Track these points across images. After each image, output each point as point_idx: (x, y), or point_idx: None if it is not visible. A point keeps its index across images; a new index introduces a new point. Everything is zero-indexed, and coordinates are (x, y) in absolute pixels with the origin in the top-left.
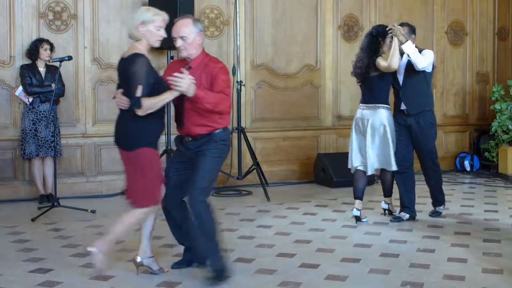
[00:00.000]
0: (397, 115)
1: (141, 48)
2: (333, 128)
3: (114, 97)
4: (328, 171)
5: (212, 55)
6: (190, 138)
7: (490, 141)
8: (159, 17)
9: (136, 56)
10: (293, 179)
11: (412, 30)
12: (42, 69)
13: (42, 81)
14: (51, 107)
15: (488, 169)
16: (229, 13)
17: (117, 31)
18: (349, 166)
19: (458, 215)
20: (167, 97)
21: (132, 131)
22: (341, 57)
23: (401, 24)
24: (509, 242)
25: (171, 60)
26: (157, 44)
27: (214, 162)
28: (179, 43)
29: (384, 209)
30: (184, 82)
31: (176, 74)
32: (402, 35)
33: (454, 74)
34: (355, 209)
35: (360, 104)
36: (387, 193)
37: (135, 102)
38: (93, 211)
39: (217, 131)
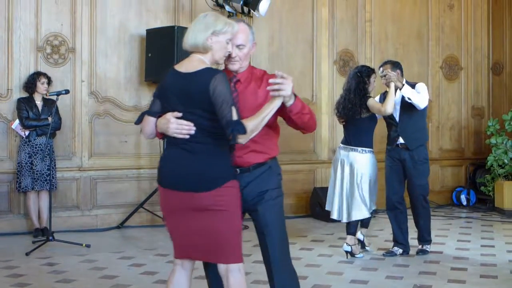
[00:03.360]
0: (391, 149)
1: (207, 62)
2: (329, 162)
3: (138, 122)
4: (324, 206)
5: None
6: (237, 170)
7: (486, 175)
8: (232, 29)
9: (214, 71)
10: (289, 213)
11: (396, 66)
12: (39, 103)
13: (39, 115)
14: (47, 140)
15: (484, 203)
16: None
17: (114, 65)
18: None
19: (455, 250)
20: (270, 110)
21: (211, 165)
22: (336, 92)
23: (384, 63)
24: (506, 278)
25: None
26: (222, 60)
27: (282, 213)
28: (234, 52)
29: (347, 252)
30: (289, 85)
31: (278, 74)
32: (397, 80)
33: (450, 109)
34: (345, 244)
35: (342, 145)
36: (351, 231)
37: (238, 127)
38: (87, 246)
39: (272, 159)
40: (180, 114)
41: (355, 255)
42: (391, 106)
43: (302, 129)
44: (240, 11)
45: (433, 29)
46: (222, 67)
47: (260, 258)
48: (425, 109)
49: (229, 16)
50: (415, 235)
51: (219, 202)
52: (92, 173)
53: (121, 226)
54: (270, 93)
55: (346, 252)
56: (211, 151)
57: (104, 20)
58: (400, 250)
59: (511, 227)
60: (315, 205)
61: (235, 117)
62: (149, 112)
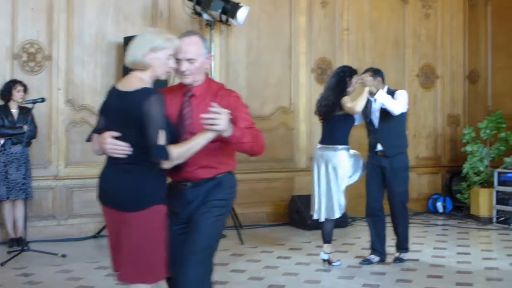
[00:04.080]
0: (371, 156)
1: (147, 79)
2: (307, 170)
3: (88, 140)
4: (302, 213)
5: (217, 82)
6: (189, 184)
7: (462, 183)
8: (171, 44)
9: (149, 91)
10: (268, 222)
11: (376, 73)
12: (14, 111)
13: (14, 123)
14: (22, 149)
15: (460, 210)
16: None
17: (91, 73)
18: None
19: (431, 258)
20: (200, 141)
21: (137, 187)
22: (314, 100)
23: (366, 70)
24: (482, 285)
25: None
26: (164, 76)
27: (219, 223)
28: (184, 66)
29: (324, 260)
30: (223, 119)
31: (212, 109)
32: (373, 86)
33: (426, 117)
34: (322, 252)
35: (319, 144)
36: (327, 239)
37: (161, 152)
38: (63, 255)
39: (224, 174)
40: (117, 134)
41: (332, 263)
42: (361, 105)
43: (249, 154)
44: (218, 19)
45: (409, 37)
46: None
47: (237, 267)
48: (404, 116)
49: (206, 25)
50: (392, 242)
51: (142, 223)
52: (68, 182)
53: (97, 235)
54: (204, 126)
55: (323, 260)
56: (144, 173)
57: (81, 27)
58: (377, 258)
59: (486, 234)
60: (293, 213)
61: (161, 141)
62: (95, 129)
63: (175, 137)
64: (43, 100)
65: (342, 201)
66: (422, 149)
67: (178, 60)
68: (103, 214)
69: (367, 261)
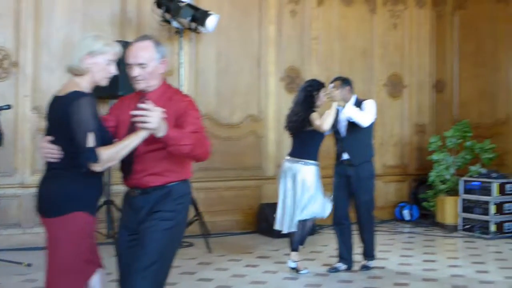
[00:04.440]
0: (338, 165)
1: (84, 85)
2: (276, 178)
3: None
4: (271, 221)
5: (174, 87)
6: (138, 191)
7: (428, 191)
8: (111, 49)
9: (78, 94)
10: (236, 230)
11: (345, 82)
12: None
13: None
14: None
15: (426, 218)
16: (173, 64)
17: (59, 80)
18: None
19: (398, 265)
20: (132, 141)
21: (63, 191)
22: (283, 108)
23: (334, 79)
24: None
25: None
26: (104, 82)
27: (166, 236)
28: (136, 71)
29: (292, 268)
30: (155, 117)
31: (143, 106)
32: (341, 99)
33: (393, 126)
34: (290, 260)
35: (287, 157)
36: (294, 247)
37: (89, 155)
38: (29, 265)
39: (175, 183)
40: (51, 139)
41: (300, 272)
42: (328, 124)
43: (192, 160)
44: (188, 27)
45: (377, 47)
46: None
47: (205, 276)
48: (371, 126)
49: (176, 33)
50: (359, 250)
51: (59, 230)
52: (34, 190)
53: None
54: (135, 124)
55: (291, 268)
56: (71, 178)
57: (49, 34)
58: (344, 266)
59: (452, 242)
60: (262, 221)
61: (90, 144)
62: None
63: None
64: (9, 107)
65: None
66: (389, 158)
67: (129, 65)
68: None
69: (334, 269)
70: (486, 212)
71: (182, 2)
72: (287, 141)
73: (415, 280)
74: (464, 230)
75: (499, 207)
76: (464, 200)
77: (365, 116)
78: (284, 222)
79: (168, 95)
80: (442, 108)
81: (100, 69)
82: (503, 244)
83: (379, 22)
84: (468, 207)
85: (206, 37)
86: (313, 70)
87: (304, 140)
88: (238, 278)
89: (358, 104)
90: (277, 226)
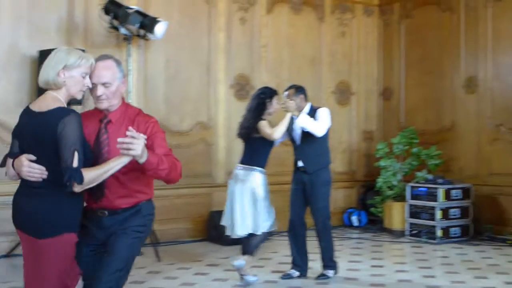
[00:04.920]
0: (295, 172)
1: (62, 99)
2: (226, 185)
3: (1, 165)
4: (220, 229)
5: (134, 106)
6: (106, 213)
7: (376, 197)
8: (86, 62)
9: (65, 111)
10: (186, 238)
11: (299, 91)
12: None
13: None
14: None
15: (374, 224)
16: None
17: (3, 88)
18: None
19: (346, 271)
20: (114, 166)
21: (50, 213)
22: (233, 115)
23: (289, 88)
24: None
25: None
26: (79, 95)
27: (135, 245)
28: (100, 91)
29: (236, 267)
30: (140, 144)
31: (129, 134)
32: (295, 110)
33: (341, 133)
34: (236, 261)
35: (237, 164)
36: (249, 250)
37: (75, 175)
38: None
39: (144, 202)
40: (33, 157)
41: (245, 276)
42: (279, 133)
43: (166, 182)
44: (136, 34)
45: (326, 55)
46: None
47: (154, 285)
48: (326, 133)
49: (124, 39)
50: (313, 257)
51: (51, 251)
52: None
53: (9, 254)
54: (120, 151)
55: (237, 268)
56: (60, 197)
57: None
58: (297, 273)
59: (399, 247)
60: (212, 228)
61: (75, 163)
62: (9, 154)
63: (93, 164)
64: None
65: (265, 217)
66: (337, 164)
67: (93, 85)
68: (20, 238)
69: (287, 276)
70: (432, 217)
71: (131, 8)
72: (237, 148)
73: (363, 285)
74: (411, 235)
75: (445, 212)
76: (411, 205)
77: (319, 126)
78: (234, 227)
79: (130, 116)
80: (389, 115)
81: (76, 83)
82: (449, 248)
83: (328, 30)
84: (415, 212)
85: (155, 44)
86: (263, 78)
87: (253, 146)
88: (187, 286)
89: (312, 112)
90: (228, 232)
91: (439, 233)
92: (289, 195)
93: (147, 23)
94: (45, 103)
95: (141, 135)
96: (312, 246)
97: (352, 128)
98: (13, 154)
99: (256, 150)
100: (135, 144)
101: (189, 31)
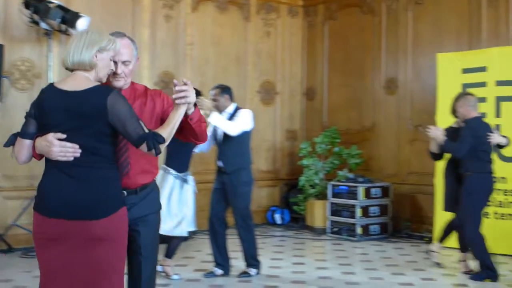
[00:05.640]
0: (217, 171)
1: (93, 80)
2: None
3: (8, 144)
4: None
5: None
6: (125, 193)
7: (299, 195)
8: (115, 46)
9: (107, 89)
10: None
11: (225, 91)
12: None
13: None
14: None
15: (297, 222)
16: (41, 66)
17: None
18: None
19: (268, 269)
20: (177, 118)
21: (107, 188)
22: None
23: (215, 87)
24: None
25: None
26: (105, 79)
27: (158, 236)
28: (120, 69)
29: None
30: (193, 92)
31: (183, 81)
32: (208, 108)
33: (266, 131)
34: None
35: (163, 165)
36: (169, 254)
37: (156, 138)
38: None
39: (153, 181)
40: (63, 136)
41: (170, 277)
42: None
43: (196, 139)
44: (57, 28)
45: (251, 54)
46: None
47: None
48: (247, 134)
49: (45, 34)
50: (235, 255)
51: (109, 231)
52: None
53: None
54: (176, 101)
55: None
56: (98, 175)
57: None
58: (220, 271)
59: (321, 244)
60: None
61: (146, 129)
62: (23, 134)
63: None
64: None
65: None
66: (261, 163)
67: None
68: (43, 228)
69: (211, 274)
70: (353, 215)
71: (52, 3)
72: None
73: (284, 282)
74: (332, 233)
75: (365, 210)
76: (332, 203)
77: (232, 125)
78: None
79: (140, 92)
80: (312, 115)
81: (105, 66)
82: (368, 246)
83: (253, 30)
84: (336, 210)
85: None
86: (188, 76)
87: (175, 148)
88: None
89: (236, 112)
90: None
91: (359, 230)
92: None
93: (69, 18)
94: (79, 83)
95: (189, 82)
96: (236, 244)
97: (276, 127)
98: (28, 135)
99: (180, 151)
100: (190, 91)
101: (112, 27)
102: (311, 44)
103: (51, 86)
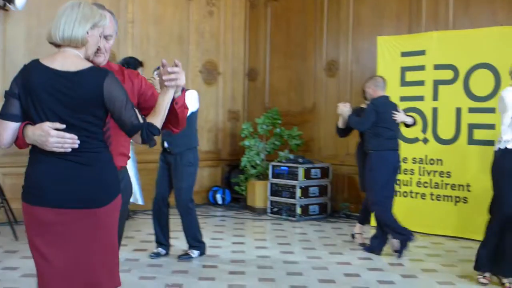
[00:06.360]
0: (162, 152)
1: (83, 58)
2: None
3: (7, 128)
4: None
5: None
6: None
7: (240, 176)
8: (105, 22)
9: (103, 72)
10: None
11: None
12: None
13: None
14: None
15: (238, 202)
16: None
17: None
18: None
19: (208, 248)
20: (166, 103)
21: (108, 174)
22: None
23: (159, 67)
24: (253, 273)
25: None
26: (92, 57)
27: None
28: (101, 43)
29: None
30: (183, 75)
31: (174, 62)
32: (157, 84)
33: (208, 112)
34: None
35: None
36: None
37: (151, 129)
38: None
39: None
40: (62, 126)
41: None
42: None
43: (176, 125)
44: None
45: (193, 34)
46: None
47: (11, 264)
48: (193, 115)
49: None
50: (175, 235)
51: (110, 218)
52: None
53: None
54: (165, 83)
55: None
56: (101, 160)
57: None
58: (164, 251)
59: (261, 224)
60: None
61: (140, 118)
62: (5, 115)
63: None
64: None
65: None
66: (203, 143)
67: None
68: (40, 220)
69: (156, 254)
70: (293, 195)
71: None
72: None
73: (223, 262)
74: (273, 213)
75: (305, 191)
76: (272, 184)
77: None
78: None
79: (116, 70)
80: (254, 96)
81: (95, 43)
82: (308, 226)
83: (195, 9)
84: (276, 190)
85: (15, 15)
86: (129, 53)
87: None
88: None
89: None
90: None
91: (298, 210)
92: (154, 174)
93: None
94: (70, 62)
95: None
96: (177, 224)
97: (219, 107)
98: (12, 117)
99: None
100: (181, 73)
101: (51, 3)
102: (254, 25)
103: (37, 63)
